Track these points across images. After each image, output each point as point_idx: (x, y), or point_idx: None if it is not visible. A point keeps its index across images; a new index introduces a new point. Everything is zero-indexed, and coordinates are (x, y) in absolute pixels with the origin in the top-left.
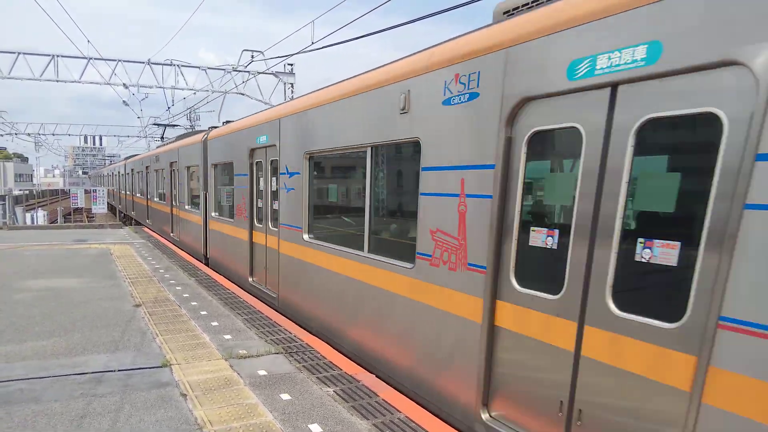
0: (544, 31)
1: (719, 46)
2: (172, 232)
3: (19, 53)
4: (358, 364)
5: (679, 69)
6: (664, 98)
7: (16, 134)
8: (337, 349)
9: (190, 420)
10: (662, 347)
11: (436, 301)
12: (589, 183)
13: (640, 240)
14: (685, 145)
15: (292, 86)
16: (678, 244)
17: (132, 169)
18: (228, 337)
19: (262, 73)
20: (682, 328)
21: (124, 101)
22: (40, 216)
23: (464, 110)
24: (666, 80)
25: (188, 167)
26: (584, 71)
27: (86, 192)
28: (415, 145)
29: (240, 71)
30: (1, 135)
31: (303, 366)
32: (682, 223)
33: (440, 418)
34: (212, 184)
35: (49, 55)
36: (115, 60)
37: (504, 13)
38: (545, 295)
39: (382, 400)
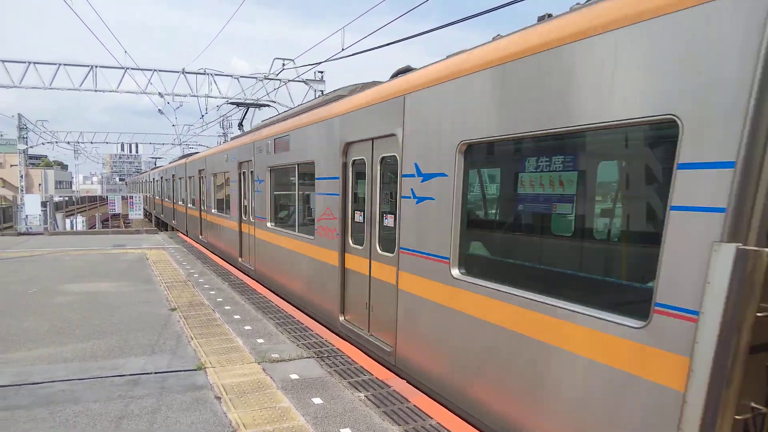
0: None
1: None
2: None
3: (60, 64)
4: (390, 370)
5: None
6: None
7: (56, 142)
8: (368, 354)
9: (225, 422)
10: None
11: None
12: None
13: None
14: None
15: (322, 93)
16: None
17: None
18: (260, 341)
19: (293, 80)
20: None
21: (159, 110)
22: (79, 222)
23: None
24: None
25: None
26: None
27: (123, 198)
28: None
29: (271, 79)
30: (43, 143)
31: (334, 370)
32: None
33: (472, 425)
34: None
35: (88, 66)
36: (150, 70)
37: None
38: (357, 246)
39: (414, 406)
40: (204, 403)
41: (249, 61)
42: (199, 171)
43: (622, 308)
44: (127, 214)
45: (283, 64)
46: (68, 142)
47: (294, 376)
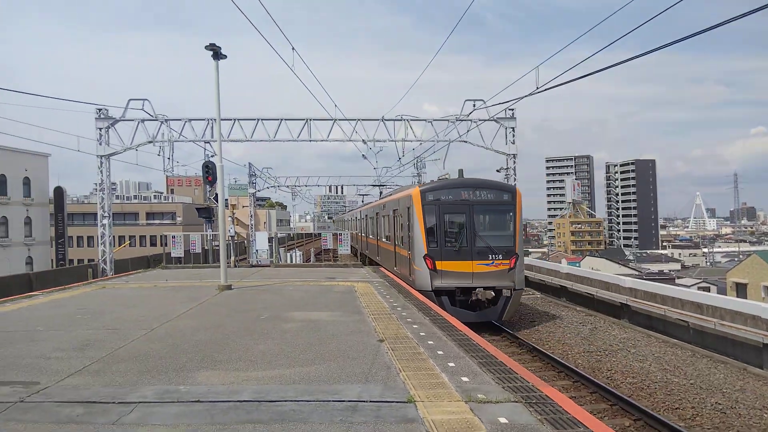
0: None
1: None
2: None
3: (281, 119)
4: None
5: None
6: None
7: (278, 186)
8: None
9: None
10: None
11: None
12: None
13: None
14: None
15: (513, 130)
16: None
17: None
18: (465, 379)
19: (485, 120)
20: None
21: (363, 155)
22: (297, 255)
23: None
24: None
25: None
26: None
27: (333, 235)
28: None
29: (462, 120)
30: (267, 187)
31: (545, 419)
32: None
33: None
34: None
35: (304, 119)
36: (355, 119)
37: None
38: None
39: None
40: None
41: (439, 105)
42: (376, 213)
43: None
44: (336, 249)
45: (474, 105)
46: (287, 186)
47: (503, 420)
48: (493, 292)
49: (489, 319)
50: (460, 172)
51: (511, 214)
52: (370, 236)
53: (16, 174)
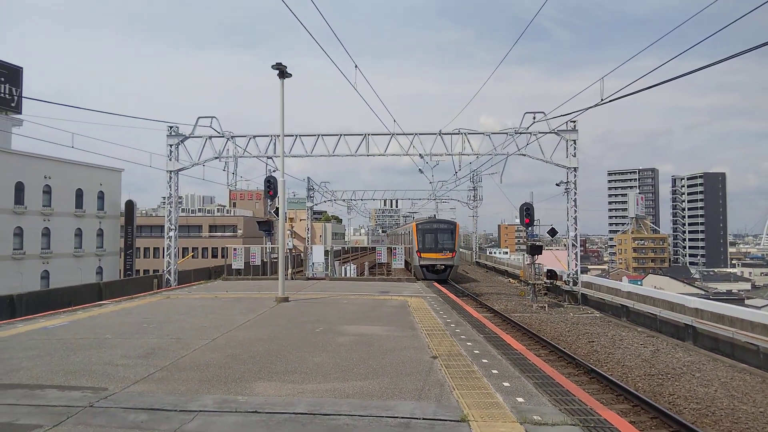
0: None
1: None
2: None
3: (340, 135)
4: None
5: None
6: None
7: (334, 200)
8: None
9: None
10: None
11: None
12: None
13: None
14: None
15: (575, 143)
16: None
17: None
18: (520, 399)
19: (546, 133)
20: None
21: (420, 169)
22: (351, 268)
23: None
24: None
25: None
26: None
27: (388, 249)
28: None
29: (522, 133)
30: (324, 201)
31: None
32: None
33: None
34: None
35: (362, 135)
36: (412, 134)
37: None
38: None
39: None
40: None
41: (497, 117)
42: (404, 231)
43: None
44: (390, 263)
45: (534, 118)
46: (343, 200)
47: None
48: (444, 266)
49: (443, 278)
50: (434, 216)
51: (453, 233)
52: (404, 245)
53: (92, 188)
